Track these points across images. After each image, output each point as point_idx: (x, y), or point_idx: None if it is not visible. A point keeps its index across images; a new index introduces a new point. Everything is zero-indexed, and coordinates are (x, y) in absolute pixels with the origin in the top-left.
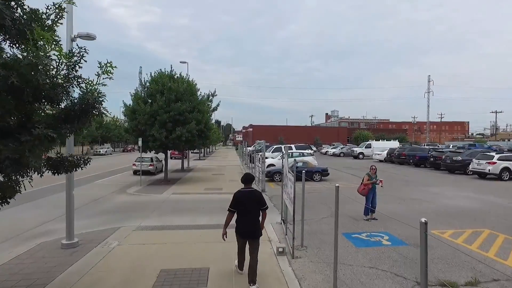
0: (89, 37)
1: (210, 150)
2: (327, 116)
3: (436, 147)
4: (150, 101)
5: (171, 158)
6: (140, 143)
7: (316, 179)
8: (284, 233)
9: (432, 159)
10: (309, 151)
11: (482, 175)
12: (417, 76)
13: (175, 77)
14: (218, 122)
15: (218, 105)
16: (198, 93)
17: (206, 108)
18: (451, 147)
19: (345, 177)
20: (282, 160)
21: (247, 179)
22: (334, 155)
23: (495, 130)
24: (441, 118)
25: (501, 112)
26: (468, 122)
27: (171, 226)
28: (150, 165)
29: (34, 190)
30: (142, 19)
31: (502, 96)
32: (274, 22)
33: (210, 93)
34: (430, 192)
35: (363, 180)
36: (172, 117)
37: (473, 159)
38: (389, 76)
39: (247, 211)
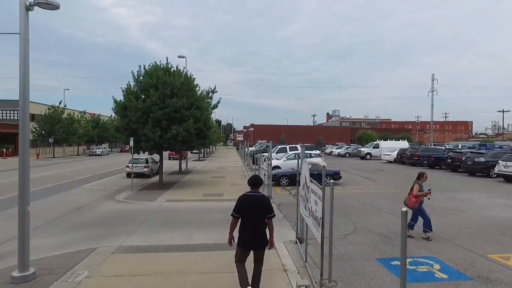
0: (50, 4)
1: (210, 150)
2: (328, 116)
3: (448, 147)
4: (143, 96)
5: (169, 159)
6: (131, 143)
7: (328, 183)
8: (303, 258)
9: (449, 160)
10: (317, 151)
11: (509, 178)
12: (418, 76)
13: (171, 70)
14: (218, 121)
15: (218, 102)
16: (197, 89)
17: (205, 105)
18: (460, 147)
19: (358, 181)
20: (299, 163)
21: (255, 182)
22: (339, 155)
23: (502, 130)
24: (445, 117)
25: (508, 111)
26: (472, 121)
27: (159, 246)
28: (145, 167)
29: (6, 198)
30: (142, 19)
31: (502, 95)
32: (274, 22)
33: (210, 90)
34: (459, 199)
35: (411, 190)
36: (167, 114)
37: (499, 161)
38: (390, 75)
39: (251, 218)
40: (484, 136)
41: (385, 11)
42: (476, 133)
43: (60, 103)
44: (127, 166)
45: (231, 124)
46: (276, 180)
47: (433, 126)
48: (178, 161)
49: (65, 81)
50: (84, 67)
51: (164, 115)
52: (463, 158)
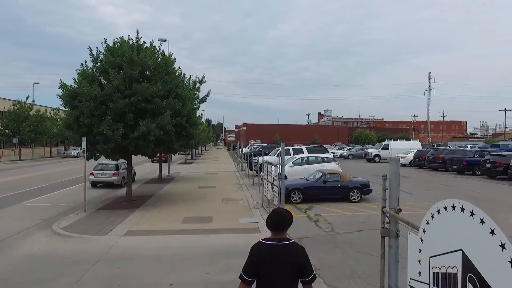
0: None
1: (200, 151)
2: (320, 116)
3: (453, 147)
4: (104, 81)
5: (152, 161)
6: (84, 145)
7: (354, 199)
8: None
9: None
10: (329, 155)
11: None
12: (409, 76)
13: (144, 47)
14: (208, 121)
15: (207, 95)
16: (179, 74)
17: (189, 94)
18: (468, 147)
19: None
20: (320, 173)
21: (279, 222)
22: (341, 157)
23: (504, 129)
24: (443, 117)
25: (510, 110)
26: (466, 121)
27: None
28: (114, 174)
29: None
30: (132, 17)
31: (491, 95)
32: (266, 22)
33: (198, 79)
34: None
35: None
36: (134, 105)
37: None
38: (381, 76)
39: (274, 285)
40: (476, 135)
41: (376, 12)
42: (472, 133)
43: (27, 98)
44: (92, 174)
45: (222, 124)
46: (285, 195)
47: (430, 126)
48: (164, 164)
49: (54, 79)
50: (75, 66)
51: (130, 106)
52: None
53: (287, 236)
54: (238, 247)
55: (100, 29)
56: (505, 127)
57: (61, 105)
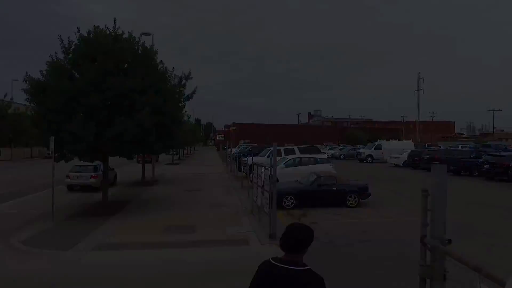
0: None
1: (189, 151)
2: (310, 116)
3: (444, 147)
4: (78, 75)
5: (138, 162)
6: (51, 145)
7: (351, 203)
8: None
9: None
10: (323, 155)
11: None
12: (399, 77)
13: (123, 37)
14: (198, 120)
15: (194, 92)
16: (161, 67)
17: (171, 89)
18: (460, 147)
19: (387, 197)
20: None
21: (293, 243)
22: (333, 157)
23: (493, 130)
24: (432, 117)
25: (499, 110)
26: (454, 122)
27: None
28: (93, 176)
29: None
30: (119, 16)
31: (474, 96)
32: (255, 22)
33: (183, 75)
34: None
35: None
36: (110, 100)
37: None
38: (370, 76)
39: None
40: (463, 135)
41: (366, 13)
42: (461, 134)
43: (5, 96)
44: (68, 176)
45: (212, 123)
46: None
47: (419, 126)
48: (148, 165)
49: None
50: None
51: (104, 102)
52: None
53: (303, 262)
54: (221, 265)
55: (84, 27)
56: (493, 128)
57: (26, 100)
